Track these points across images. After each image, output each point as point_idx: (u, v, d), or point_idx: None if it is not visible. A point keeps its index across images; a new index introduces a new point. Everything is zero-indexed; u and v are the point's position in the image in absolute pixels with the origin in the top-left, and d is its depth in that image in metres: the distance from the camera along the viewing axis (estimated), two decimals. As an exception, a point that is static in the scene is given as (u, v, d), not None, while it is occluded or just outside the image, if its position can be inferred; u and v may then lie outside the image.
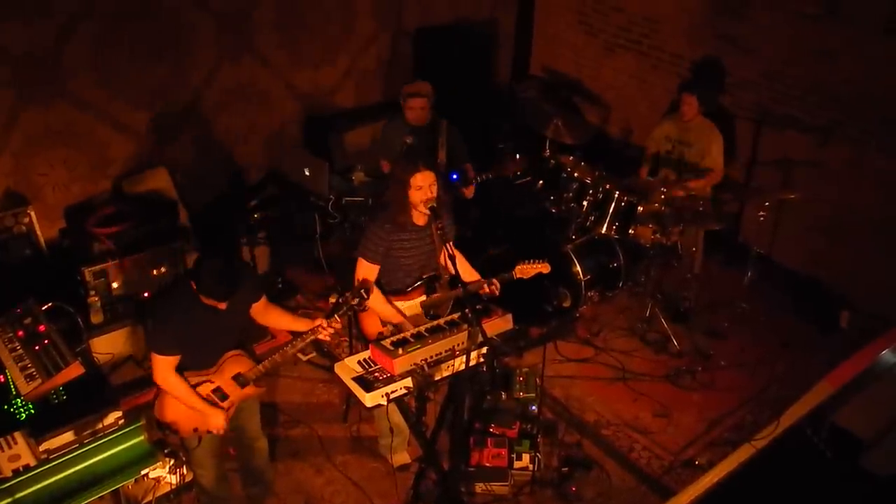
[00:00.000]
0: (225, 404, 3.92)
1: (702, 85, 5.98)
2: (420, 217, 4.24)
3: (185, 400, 3.82)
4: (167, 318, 3.76)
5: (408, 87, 5.53)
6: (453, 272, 4.11)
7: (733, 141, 6.29)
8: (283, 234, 6.27)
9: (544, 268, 4.49)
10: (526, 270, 4.47)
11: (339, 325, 3.95)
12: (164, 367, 3.75)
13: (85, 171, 5.73)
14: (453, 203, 5.68)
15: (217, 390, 3.92)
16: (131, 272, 5.24)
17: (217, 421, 3.88)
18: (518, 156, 5.64)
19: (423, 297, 4.43)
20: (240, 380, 3.95)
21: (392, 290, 4.38)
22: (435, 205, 4.13)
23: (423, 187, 4.08)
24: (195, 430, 3.93)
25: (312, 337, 3.92)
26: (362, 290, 3.92)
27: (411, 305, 4.40)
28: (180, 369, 3.82)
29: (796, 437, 4.84)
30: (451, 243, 4.11)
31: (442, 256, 4.33)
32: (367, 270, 4.26)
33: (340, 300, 3.96)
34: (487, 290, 4.34)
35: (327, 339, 3.98)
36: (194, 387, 3.86)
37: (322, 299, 6.07)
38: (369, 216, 4.51)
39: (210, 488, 4.28)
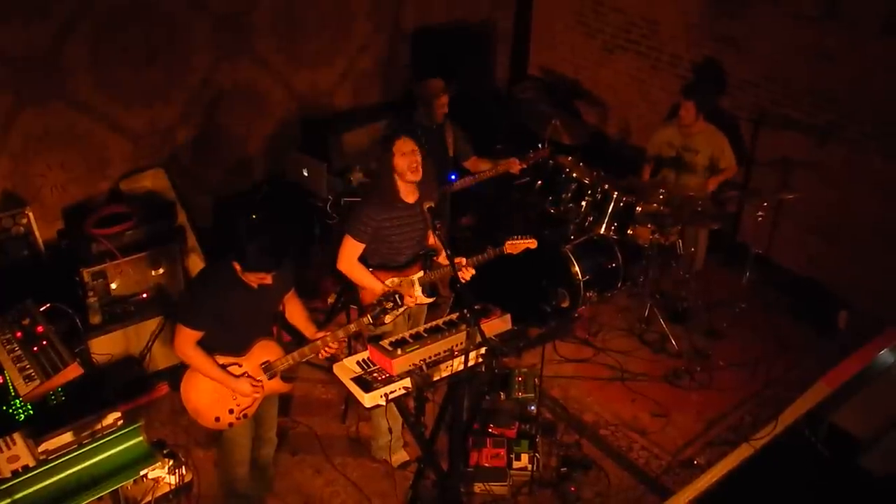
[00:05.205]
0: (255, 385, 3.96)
1: (701, 90, 5.96)
2: (409, 194, 4.32)
3: (205, 371, 3.83)
4: (202, 292, 3.83)
5: (432, 86, 5.47)
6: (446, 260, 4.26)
7: (734, 142, 6.28)
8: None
9: (531, 243, 4.60)
10: (515, 245, 4.59)
11: (341, 345, 4.09)
12: (185, 339, 3.77)
13: (83, 172, 5.72)
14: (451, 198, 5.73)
15: (245, 375, 3.95)
16: (130, 273, 5.24)
17: (243, 387, 3.89)
18: (540, 146, 5.83)
19: (421, 273, 4.49)
20: (268, 368, 3.98)
21: (389, 266, 4.45)
22: (433, 205, 4.27)
23: (406, 153, 4.19)
24: (217, 419, 3.94)
25: (318, 350, 4.01)
26: (396, 296, 4.02)
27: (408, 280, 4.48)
28: (210, 350, 3.84)
29: (794, 437, 4.87)
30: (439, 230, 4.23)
31: (430, 238, 4.51)
32: (352, 247, 4.34)
33: (377, 302, 4.05)
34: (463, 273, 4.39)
35: (324, 356, 4.09)
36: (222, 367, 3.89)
37: (319, 299, 6.07)
38: (362, 197, 4.65)
39: (241, 484, 4.30)
